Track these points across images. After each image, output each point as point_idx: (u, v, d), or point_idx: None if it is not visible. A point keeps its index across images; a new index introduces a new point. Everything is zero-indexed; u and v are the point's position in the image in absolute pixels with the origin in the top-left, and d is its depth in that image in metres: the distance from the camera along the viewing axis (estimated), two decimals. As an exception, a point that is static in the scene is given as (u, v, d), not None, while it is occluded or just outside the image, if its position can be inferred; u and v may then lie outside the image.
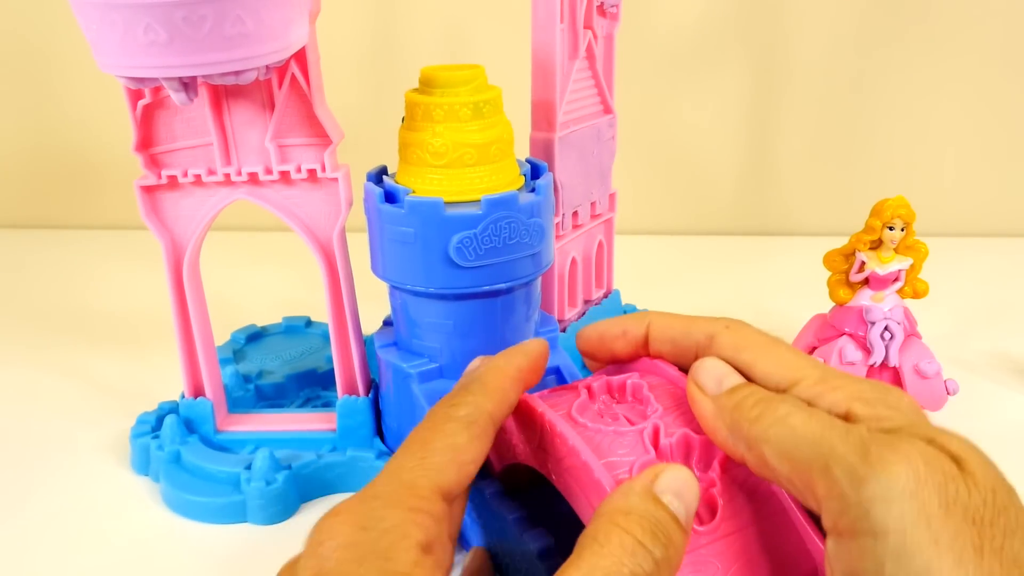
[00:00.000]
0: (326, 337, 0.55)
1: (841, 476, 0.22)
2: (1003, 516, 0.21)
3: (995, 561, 0.20)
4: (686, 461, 0.26)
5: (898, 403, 0.24)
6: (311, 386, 0.51)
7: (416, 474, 0.24)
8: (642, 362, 0.31)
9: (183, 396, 0.45)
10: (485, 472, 0.35)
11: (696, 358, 0.28)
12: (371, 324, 0.46)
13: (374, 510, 0.22)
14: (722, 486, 0.25)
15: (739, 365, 0.27)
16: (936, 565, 0.20)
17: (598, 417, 0.28)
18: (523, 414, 0.29)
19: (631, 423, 0.28)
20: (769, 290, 0.69)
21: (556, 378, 0.41)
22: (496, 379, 0.28)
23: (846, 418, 0.24)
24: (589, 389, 0.30)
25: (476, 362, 0.30)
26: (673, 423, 0.27)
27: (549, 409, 0.28)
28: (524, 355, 0.29)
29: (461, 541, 0.36)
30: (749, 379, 0.27)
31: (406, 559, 0.22)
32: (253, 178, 0.41)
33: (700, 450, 0.26)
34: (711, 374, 0.27)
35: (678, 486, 0.23)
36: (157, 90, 0.39)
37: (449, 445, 0.25)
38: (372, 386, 0.45)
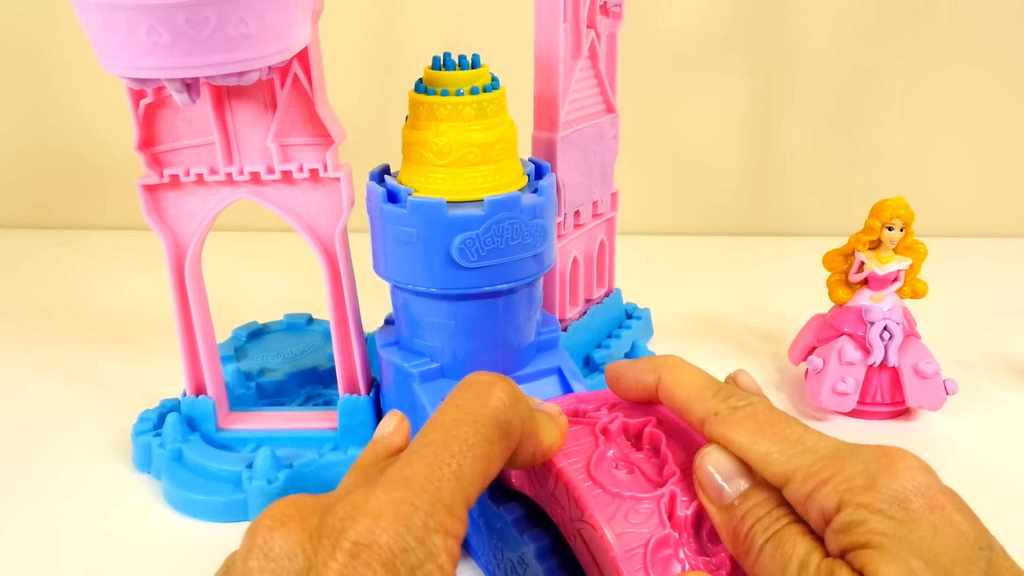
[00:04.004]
0: (327, 335, 0.55)
1: None
2: None
3: None
4: (698, 533, 0.28)
5: (887, 485, 0.23)
6: (312, 384, 0.51)
7: (453, 486, 0.24)
8: (663, 406, 0.31)
9: (184, 394, 0.45)
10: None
11: (695, 429, 0.29)
12: (372, 323, 0.46)
13: (415, 529, 0.23)
14: (731, 567, 0.27)
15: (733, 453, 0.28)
16: None
17: (614, 469, 0.29)
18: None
19: (647, 479, 0.29)
20: (769, 290, 0.69)
21: (557, 378, 0.42)
22: (544, 431, 0.29)
23: (838, 509, 0.24)
24: (606, 432, 0.31)
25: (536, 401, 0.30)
26: (688, 489, 0.28)
27: (568, 465, 0.29)
28: (562, 434, 0.30)
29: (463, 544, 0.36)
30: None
31: None
32: (255, 177, 0.41)
33: (712, 524, 0.27)
34: (713, 478, 0.27)
35: None
36: (159, 89, 0.39)
37: (485, 454, 0.25)
38: (373, 385, 0.45)
